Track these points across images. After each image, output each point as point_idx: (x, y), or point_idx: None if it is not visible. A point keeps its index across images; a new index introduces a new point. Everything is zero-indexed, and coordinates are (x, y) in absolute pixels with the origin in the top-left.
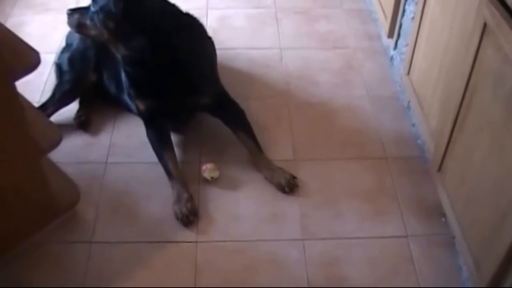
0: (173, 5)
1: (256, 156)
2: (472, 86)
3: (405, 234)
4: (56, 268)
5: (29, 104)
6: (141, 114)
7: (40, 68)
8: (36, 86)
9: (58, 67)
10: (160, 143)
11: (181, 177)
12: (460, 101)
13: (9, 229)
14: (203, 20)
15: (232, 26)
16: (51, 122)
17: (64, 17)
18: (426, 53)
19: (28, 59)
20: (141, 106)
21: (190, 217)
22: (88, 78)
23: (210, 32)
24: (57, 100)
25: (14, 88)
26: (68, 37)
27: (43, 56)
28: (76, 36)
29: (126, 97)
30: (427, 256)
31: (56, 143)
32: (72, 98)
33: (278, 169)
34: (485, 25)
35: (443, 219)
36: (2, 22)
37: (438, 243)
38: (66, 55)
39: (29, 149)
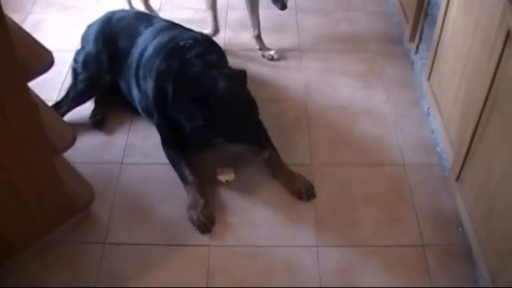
0: (215, 65)
1: (273, 160)
2: (493, 95)
3: (421, 243)
4: (69, 268)
5: (43, 103)
6: (159, 132)
7: (58, 67)
8: (54, 85)
9: (74, 69)
10: (176, 154)
11: (197, 182)
12: (481, 110)
13: (24, 228)
14: (222, 20)
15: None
16: (65, 122)
17: (83, 15)
18: (447, 59)
19: (41, 60)
20: (163, 135)
21: (207, 224)
22: (102, 79)
23: (229, 33)
24: (71, 99)
25: (27, 88)
26: (83, 38)
27: (61, 54)
28: (90, 39)
29: (138, 106)
30: (442, 266)
31: (70, 143)
32: (86, 97)
33: (298, 175)
34: (508, 33)
35: (460, 229)
36: (23, 19)
37: (454, 254)
38: (81, 58)
39: (43, 148)
